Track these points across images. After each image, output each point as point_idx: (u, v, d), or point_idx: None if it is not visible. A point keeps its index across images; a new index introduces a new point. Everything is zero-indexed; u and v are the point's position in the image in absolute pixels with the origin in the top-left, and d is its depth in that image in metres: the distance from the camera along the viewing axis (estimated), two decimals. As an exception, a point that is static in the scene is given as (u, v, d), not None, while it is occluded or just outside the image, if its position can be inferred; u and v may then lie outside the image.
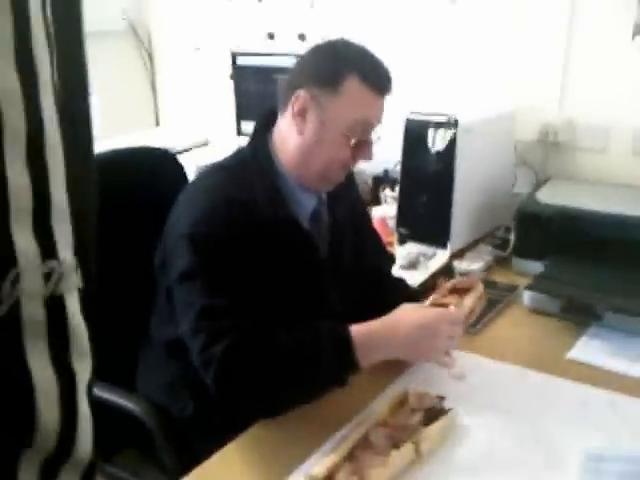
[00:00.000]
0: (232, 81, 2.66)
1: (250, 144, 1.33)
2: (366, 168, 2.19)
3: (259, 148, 1.29)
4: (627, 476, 1.02)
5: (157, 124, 3.22)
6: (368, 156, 1.28)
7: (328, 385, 1.18)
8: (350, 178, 1.42)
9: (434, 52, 2.29)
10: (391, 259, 1.65)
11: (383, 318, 1.18)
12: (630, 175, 1.99)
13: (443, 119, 1.87)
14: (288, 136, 1.26)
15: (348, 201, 1.41)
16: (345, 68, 1.20)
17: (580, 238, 1.68)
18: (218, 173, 1.29)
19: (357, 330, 1.15)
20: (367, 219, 1.60)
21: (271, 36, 2.72)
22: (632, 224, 1.63)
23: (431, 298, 1.31)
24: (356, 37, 1.31)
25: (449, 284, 1.33)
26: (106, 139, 2.70)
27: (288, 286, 1.25)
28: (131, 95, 3.11)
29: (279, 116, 1.30)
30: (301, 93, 1.22)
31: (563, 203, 1.75)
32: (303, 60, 1.28)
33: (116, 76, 2.99)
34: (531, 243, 1.76)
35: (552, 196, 1.82)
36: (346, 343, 1.12)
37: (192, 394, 1.26)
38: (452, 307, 1.26)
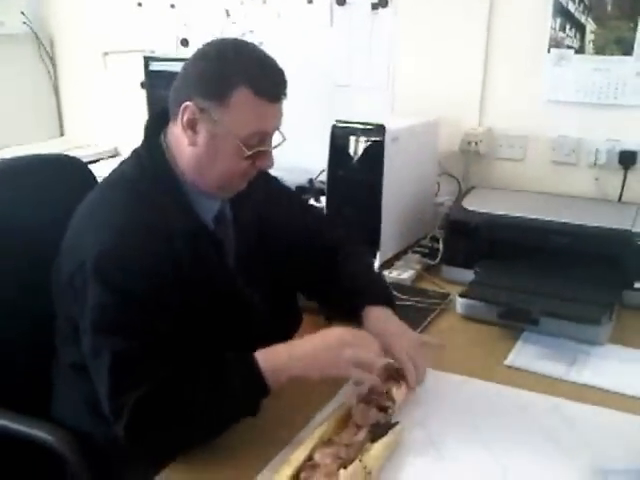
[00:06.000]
0: (144, 89, 2.54)
1: (145, 149, 1.22)
2: (289, 178, 2.13)
3: (155, 154, 1.20)
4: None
5: (61, 134, 3.03)
6: (268, 165, 1.20)
7: (242, 416, 1.10)
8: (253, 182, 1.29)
9: (360, 62, 2.26)
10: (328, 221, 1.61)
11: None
12: (549, 183, 2.04)
13: (369, 126, 1.85)
14: (181, 144, 1.17)
15: (251, 205, 1.32)
16: (233, 78, 1.09)
17: (508, 244, 1.69)
18: (123, 187, 1.19)
19: (261, 356, 1.09)
20: (286, 204, 1.46)
21: (184, 42, 2.63)
22: (556, 230, 1.66)
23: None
24: (271, 47, 1.19)
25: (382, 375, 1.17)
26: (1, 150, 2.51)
27: (207, 305, 1.17)
28: (32, 104, 2.91)
29: (171, 121, 1.19)
30: (189, 105, 1.12)
31: (489, 211, 1.76)
32: (188, 67, 1.15)
33: (14, 83, 2.80)
34: (460, 251, 1.76)
35: (478, 204, 1.82)
36: (254, 370, 1.07)
37: None
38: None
